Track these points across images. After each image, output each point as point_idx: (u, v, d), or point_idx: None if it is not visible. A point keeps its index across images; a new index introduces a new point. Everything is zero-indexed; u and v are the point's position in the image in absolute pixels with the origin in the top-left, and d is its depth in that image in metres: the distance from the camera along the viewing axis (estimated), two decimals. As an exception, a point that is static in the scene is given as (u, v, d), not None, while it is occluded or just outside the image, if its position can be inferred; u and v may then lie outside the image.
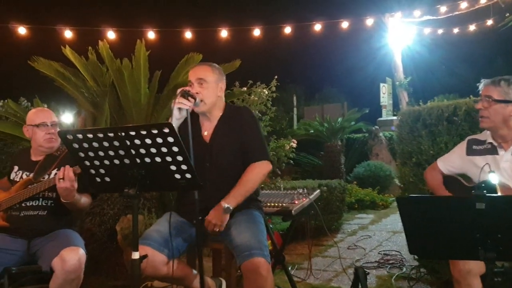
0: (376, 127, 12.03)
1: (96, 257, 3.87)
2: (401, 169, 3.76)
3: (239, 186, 2.49)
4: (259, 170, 2.55)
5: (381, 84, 16.20)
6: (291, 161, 5.93)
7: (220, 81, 2.64)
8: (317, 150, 11.26)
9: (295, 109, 17.18)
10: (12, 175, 2.83)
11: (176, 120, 2.41)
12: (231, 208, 2.42)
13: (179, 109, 2.39)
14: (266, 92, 5.40)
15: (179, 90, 2.41)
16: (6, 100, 5.06)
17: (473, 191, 1.58)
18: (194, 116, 2.59)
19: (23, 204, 2.67)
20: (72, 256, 2.37)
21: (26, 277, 2.51)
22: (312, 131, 11.46)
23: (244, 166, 2.57)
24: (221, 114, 2.67)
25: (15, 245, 2.60)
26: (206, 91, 2.55)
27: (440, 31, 13.91)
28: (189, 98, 2.40)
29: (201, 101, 2.52)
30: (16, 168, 2.86)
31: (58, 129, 2.82)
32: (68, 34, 9.63)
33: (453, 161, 2.72)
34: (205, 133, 2.64)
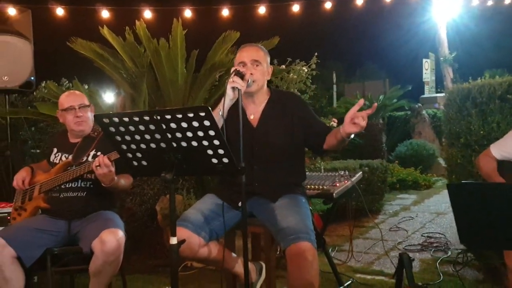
0: (419, 104, 11.70)
1: (136, 236, 3.90)
2: (448, 151, 3.59)
3: None
4: None
5: (424, 60, 15.68)
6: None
7: (268, 65, 2.61)
8: (358, 128, 11.02)
9: (335, 86, 16.86)
10: (52, 157, 2.85)
11: (229, 100, 2.34)
12: None
13: (233, 88, 2.32)
14: (306, 70, 5.25)
15: (232, 69, 2.35)
16: (47, 81, 5.14)
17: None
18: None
19: (62, 186, 2.70)
20: (111, 238, 2.38)
21: (67, 257, 2.55)
22: (353, 109, 11.22)
23: (295, 149, 2.55)
24: (267, 97, 2.60)
25: (56, 226, 2.63)
26: (259, 73, 2.50)
27: (489, 2, 13.23)
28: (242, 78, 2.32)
29: (253, 81, 2.46)
30: (55, 150, 2.88)
31: (91, 113, 2.83)
32: (105, 14, 9.64)
33: (508, 147, 2.57)
34: (251, 117, 2.57)
